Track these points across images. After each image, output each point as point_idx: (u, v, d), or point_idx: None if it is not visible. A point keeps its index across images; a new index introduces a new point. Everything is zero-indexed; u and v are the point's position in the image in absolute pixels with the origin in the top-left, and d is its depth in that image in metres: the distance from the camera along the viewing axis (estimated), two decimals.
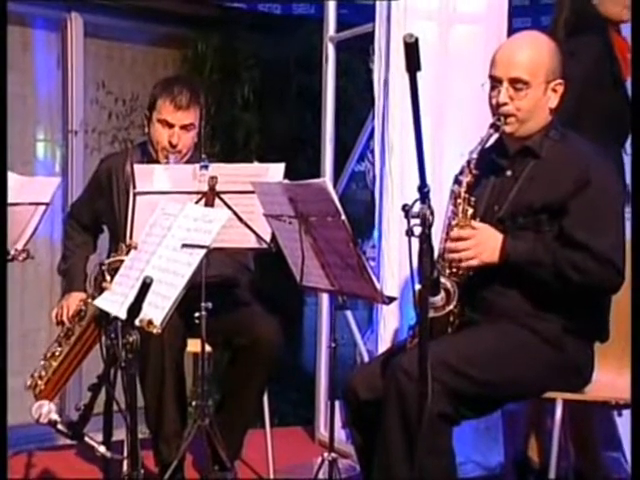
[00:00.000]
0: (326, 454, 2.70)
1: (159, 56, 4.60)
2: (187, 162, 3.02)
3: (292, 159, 2.80)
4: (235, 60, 4.48)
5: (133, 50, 4.57)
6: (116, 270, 2.65)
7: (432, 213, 1.97)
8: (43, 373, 2.80)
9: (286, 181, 2.49)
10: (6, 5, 1.72)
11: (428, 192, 1.96)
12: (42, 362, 2.80)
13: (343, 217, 2.27)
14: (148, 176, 2.73)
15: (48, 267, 4.30)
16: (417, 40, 1.76)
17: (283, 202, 2.42)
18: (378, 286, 2.36)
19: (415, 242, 1.98)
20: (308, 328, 5.12)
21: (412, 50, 1.75)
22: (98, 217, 3.24)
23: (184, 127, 2.99)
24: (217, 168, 2.74)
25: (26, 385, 2.79)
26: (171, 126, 2.98)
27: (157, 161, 3.00)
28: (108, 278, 2.40)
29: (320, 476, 2.82)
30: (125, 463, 2.59)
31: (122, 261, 2.68)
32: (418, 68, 1.79)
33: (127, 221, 2.85)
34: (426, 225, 1.96)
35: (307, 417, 4.00)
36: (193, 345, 3.00)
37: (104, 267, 2.70)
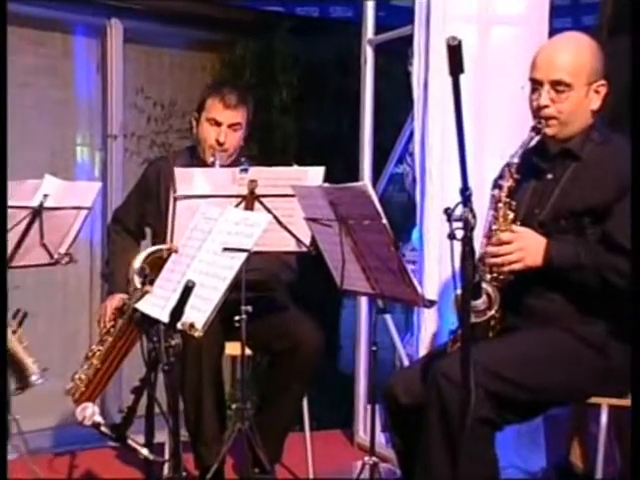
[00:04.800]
0: (367, 458, 2.69)
1: (197, 61, 4.62)
2: (231, 164, 3.05)
3: (329, 162, 2.78)
4: (273, 64, 4.49)
5: (171, 55, 4.60)
6: (152, 264, 2.69)
7: (474, 216, 1.96)
8: (83, 376, 2.83)
9: (326, 185, 2.49)
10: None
11: (470, 195, 1.95)
12: (83, 365, 2.84)
13: (384, 220, 2.26)
14: (188, 180, 2.74)
15: (88, 270, 4.35)
16: (460, 43, 1.75)
17: (323, 206, 2.42)
18: (420, 289, 2.35)
19: (456, 245, 1.96)
20: (345, 332, 5.11)
21: (455, 53, 1.75)
22: (143, 221, 3.27)
23: (231, 126, 3.05)
24: (257, 171, 2.75)
25: (66, 389, 2.82)
26: (219, 124, 3.05)
27: (205, 163, 3.02)
28: (138, 280, 2.41)
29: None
30: (166, 466, 2.61)
31: (160, 254, 2.71)
32: (461, 71, 1.78)
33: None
34: (468, 228, 1.95)
35: (345, 420, 3.99)
36: (231, 348, 3.01)
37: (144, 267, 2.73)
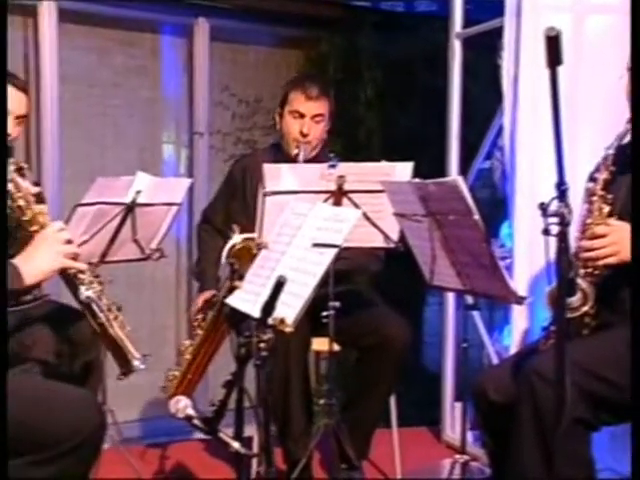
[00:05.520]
0: (457, 456, 2.66)
1: (282, 58, 4.65)
2: (314, 158, 3.06)
3: (415, 158, 2.76)
4: (358, 59, 4.48)
5: (257, 52, 4.64)
6: (241, 259, 2.71)
7: (570, 211, 1.91)
8: (177, 372, 2.88)
9: (417, 180, 2.47)
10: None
11: (566, 190, 1.90)
12: (176, 360, 2.89)
13: (476, 216, 2.23)
14: (277, 176, 2.76)
15: (175, 266, 4.42)
16: (559, 33, 1.70)
17: (413, 201, 2.39)
18: (512, 286, 2.30)
19: (550, 241, 1.92)
20: (429, 329, 5.07)
21: (553, 44, 1.70)
22: (231, 219, 3.30)
23: (314, 117, 3.08)
24: (345, 167, 2.75)
25: (160, 386, 2.88)
26: (302, 116, 3.08)
27: (289, 157, 3.04)
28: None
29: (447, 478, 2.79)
30: (254, 459, 2.63)
31: (247, 247, 2.74)
32: (559, 62, 1.73)
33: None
34: (564, 224, 1.91)
35: (431, 418, 3.96)
36: (318, 344, 3.02)
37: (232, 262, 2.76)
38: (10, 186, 2.11)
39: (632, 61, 2.31)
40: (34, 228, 2.10)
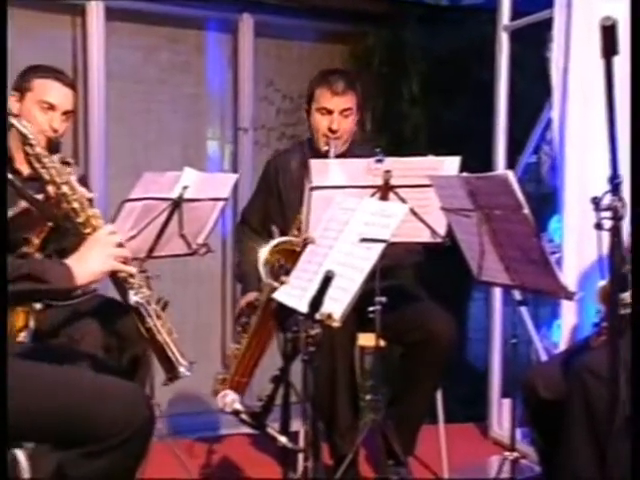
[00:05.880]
0: (507, 453, 2.63)
1: (326, 53, 4.63)
2: (346, 152, 3.05)
3: (461, 153, 2.73)
4: (403, 54, 4.44)
5: (301, 47, 4.63)
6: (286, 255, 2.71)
7: (624, 205, 1.87)
8: (227, 376, 2.91)
9: (465, 174, 2.44)
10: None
11: (620, 183, 1.87)
12: (224, 364, 2.92)
13: (526, 210, 2.20)
14: (324, 171, 2.76)
15: (220, 261, 4.43)
16: (615, 23, 1.67)
17: (462, 195, 2.37)
18: (562, 281, 2.27)
19: (602, 236, 1.89)
20: (474, 324, 5.03)
21: (609, 34, 1.68)
22: (268, 218, 3.31)
23: (342, 112, 3.06)
24: (392, 162, 2.74)
25: (211, 391, 2.91)
26: (330, 112, 3.06)
27: (320, 154, 3.03)
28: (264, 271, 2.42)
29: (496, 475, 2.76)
30: (301, 454, 2.63)
31: (292, 243, 2.74)
32: (615, 53, 1.70)
33: (297, 218, 2.91)
34: (617, 218, 1.87)
35: (475, 414, 3.93)
36: (364, 339, 3.01)
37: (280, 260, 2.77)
38: (65, 188, 2.15)
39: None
40: (87, 230, 2.14)
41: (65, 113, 2.79)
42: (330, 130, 3.05)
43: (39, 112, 2.73)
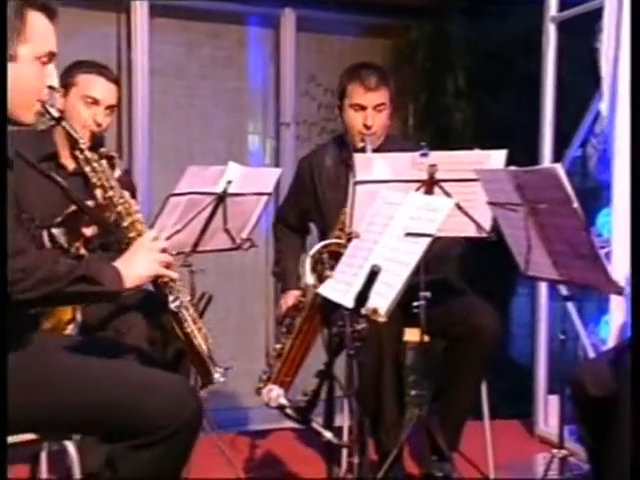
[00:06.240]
0: (555, 450, 2.59)
1: (368, 47, 4.61)
2: (381, 147, 3.02)
3: (507, 146, 2.70)
4: (447, 47, 4.40)
5: (342, 42, 4.61)
6: (332, 256, 2.70)
7: None
8: (272, 375, 2.92)
9: (513, 168, 2.41)
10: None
11: None
12: (268, 364, 2.92)
13: (575, 204, 2.17)
14: (368, 165, 2.74)
15: (264, 255, 4.44)
16: None
17: (509, 189, 2.34)
18: (612, 276, 2.23)
19: None
20: (517, 319, 4.98)
21: None
22: (305, 216, 3.31)
23: (376, 107, 3.03)
24: (437, 156, 2.71)
25: (255, 388, 2.92)
26: (363, 108, 3.03)
27: (355, 150, 3.01)
28: (311, 277, 2.43)
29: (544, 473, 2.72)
30: (345, 450, 2.63)
31: (338, 245, 2.73)
32: None
33: (340, 218, 2.89)
34: None
35: (519, 410, 3.89)
36: (409, 334, 2.99)
37: (324, 255, 2.76)
38: (112, 193, 2.17)
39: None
40: (132, 234, 2.18)
41: (108, 107, 2.81)
42: (365, 126, 3.02)
43: (83, 107, 2.76)
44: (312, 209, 3.23)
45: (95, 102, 2.77)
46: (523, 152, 3.63)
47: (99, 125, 2.76)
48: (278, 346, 2.96)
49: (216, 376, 2.23)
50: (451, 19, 4.39)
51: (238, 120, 4.52)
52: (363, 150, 2.94)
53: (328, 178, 3.16)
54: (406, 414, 2.95)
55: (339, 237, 2.84)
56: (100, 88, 2.79)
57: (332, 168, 3.16)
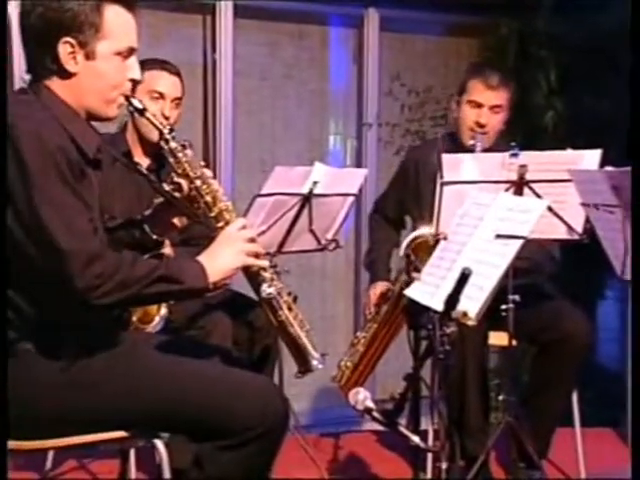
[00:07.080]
0: None
1: (451, 46, 4.55)
2: (490, 149, 2.97)
3: (602, 145, 2.61)
4: (538, 44, 4.28)
5: (426, 41, 4.56)
6: (417, 251, 2.67)
7: None
8: (349, 363, 2.89)
9: (609, 168, 2.34)
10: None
11: None
12: (348, 352, 2.89)
13: None
14: (456, 166, 2.70)
15: (344, 256, 4.43)
16: None
17: (605, 190, 2.26)
18: None
19: None
20: (603, 324, 4.84)
21: None
22: (403, 209, 3.28)
23: (493, 108, 3.01)
24: (527, 156, 2.66)
25: (332, 375, 2.89)
26: (480, 106, 3.01)
27: (464, 148, 2.97)
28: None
29: None
30: (430, 454, 2.59)
31: (424, 240, 2.70)
32: None
33: (433, 211, 2.86)
34: None
35: (609, 418, 3.78)
36: (495, 338, 2.94)
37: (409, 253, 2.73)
38: (199, 182, 2.14)
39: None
40: (220, 224, 2.10)
41: (174, 100, 2.89)
42: (478, 124, 3.00)
43: (150, 102, 2.82)
44: (411, 202, 3.22)
45: (161, 96, 2.86)
46: (621, 151, 3.51)
47: (167, 118, 2.82)
48: (361, 334, 2.93)
49: (314, 363, 2.20)
50: (539, 14, 4.27)
51: (320, 121, 4.51)
52: (473, 148, 2.91)
53: (431, 174, 3.13)
54: (490, 419, 2.90)
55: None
56: (165, 82, 2.88)
57: (437, 164, 3.14)
